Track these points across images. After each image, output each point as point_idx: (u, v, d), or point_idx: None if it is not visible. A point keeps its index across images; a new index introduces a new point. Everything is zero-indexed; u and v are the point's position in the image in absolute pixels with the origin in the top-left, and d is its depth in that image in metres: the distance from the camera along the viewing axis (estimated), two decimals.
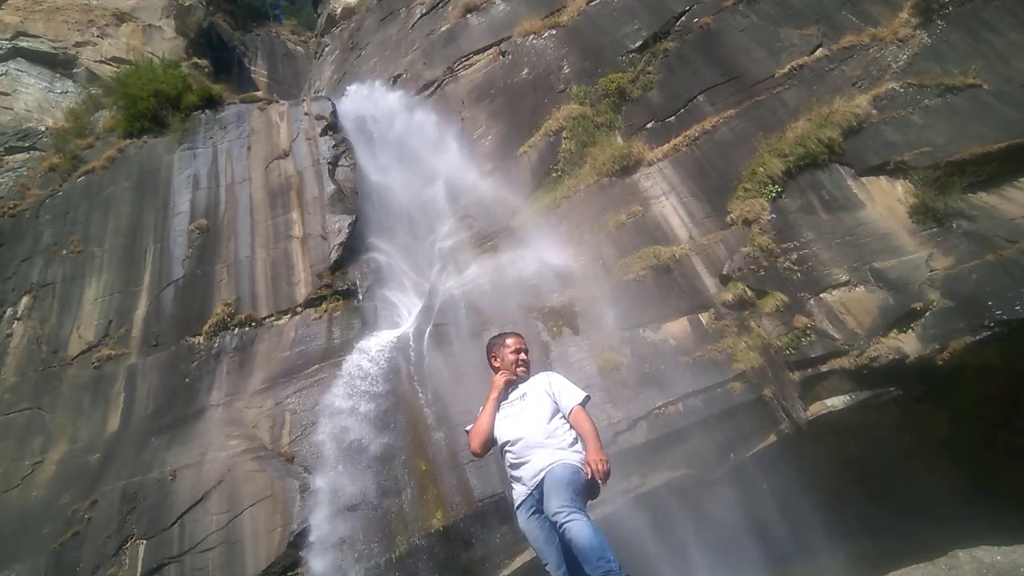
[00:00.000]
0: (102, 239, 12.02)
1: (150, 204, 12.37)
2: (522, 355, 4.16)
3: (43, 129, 16.65)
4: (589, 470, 3.52)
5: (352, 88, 15.80)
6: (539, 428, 3.78)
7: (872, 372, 7.29)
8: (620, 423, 7.74)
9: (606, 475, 3.50)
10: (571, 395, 3.90)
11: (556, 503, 3.46)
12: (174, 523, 8.11)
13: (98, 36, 20.33)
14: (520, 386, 4.07)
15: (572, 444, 3.74)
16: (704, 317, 8.44)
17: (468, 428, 4.09)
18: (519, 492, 3.79)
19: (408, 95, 14.64)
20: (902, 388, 7.34)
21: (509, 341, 4.25)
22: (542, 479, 3.63)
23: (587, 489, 3.62)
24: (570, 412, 3.82)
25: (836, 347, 7.45)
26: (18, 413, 9.99)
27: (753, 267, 8.26)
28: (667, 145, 10.19)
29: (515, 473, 3.82)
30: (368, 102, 14.90)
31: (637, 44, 11.78)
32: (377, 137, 13.94)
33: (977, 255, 7.25)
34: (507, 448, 3.88)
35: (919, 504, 7.34)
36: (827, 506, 7.45)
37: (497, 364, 4.25)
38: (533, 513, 3.66)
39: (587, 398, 3.91)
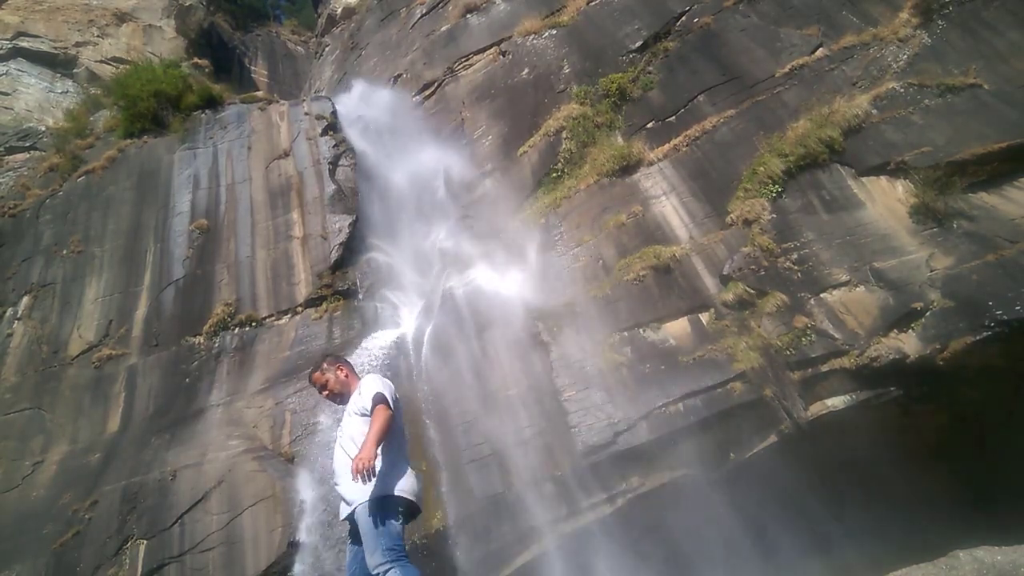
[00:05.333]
0: (102, 239, 12.02)
1: (150, 204, 12.38)
2: (323, 393, 4.13)
3: (43, 129, 16.66)
4: (353, 466, 3.36)
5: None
6: (345, 454, 3.72)
7: (872, 372, 7.29)
8: (620, 423, 7.73)
9: (361, 473, 3.30)
10: (367, 400, 3.77)
11: (373, 562, 3.36)
12: (174, 523, 8.12)
13: (98, 36, 20.35)
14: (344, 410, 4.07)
15: (376, 470, 3.57)
16: (704, 317, 8.44)
17: None
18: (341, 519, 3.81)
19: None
20: (902, 388, 7.34)
21: (312, 383, 4.20)
22: (351, 516, 3.58)
23: (399, 512, 3.51)
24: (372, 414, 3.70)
25: (836, 347, 7.44)
26: (18, 413, 9.99)
27: (753, 267, 8.26)
28: (667, 145, 10.19)
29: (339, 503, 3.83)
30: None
31: (637, 44, 11.78)
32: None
33: (977, 255, 7.23)
34: (332, 478, 3.93)
35: (919, 504, 7.32)
36: (827, 506, 7.45)
37: None
38: (350, 544, 3.72)
39: (379, 395, 3.73)
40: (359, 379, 4.12)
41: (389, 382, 3.97)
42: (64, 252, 11.90)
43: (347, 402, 4.01)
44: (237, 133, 13.26)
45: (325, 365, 4.16)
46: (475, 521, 7.63)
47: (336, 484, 3.79)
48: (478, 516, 7.64)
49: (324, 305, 10.50)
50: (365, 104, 14.88)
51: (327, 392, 4.08)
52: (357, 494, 3.53)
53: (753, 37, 10.49)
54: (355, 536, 3.66)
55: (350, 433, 3.78)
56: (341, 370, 4.14)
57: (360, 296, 10.74)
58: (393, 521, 3.45)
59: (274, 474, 8.33)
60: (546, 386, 8.26)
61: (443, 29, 15.47)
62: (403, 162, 13.01)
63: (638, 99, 11.18)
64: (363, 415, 3.76)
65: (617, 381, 8.07)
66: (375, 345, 9.57)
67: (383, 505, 3.46)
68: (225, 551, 7.81)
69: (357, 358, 9.33)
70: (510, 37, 13.61)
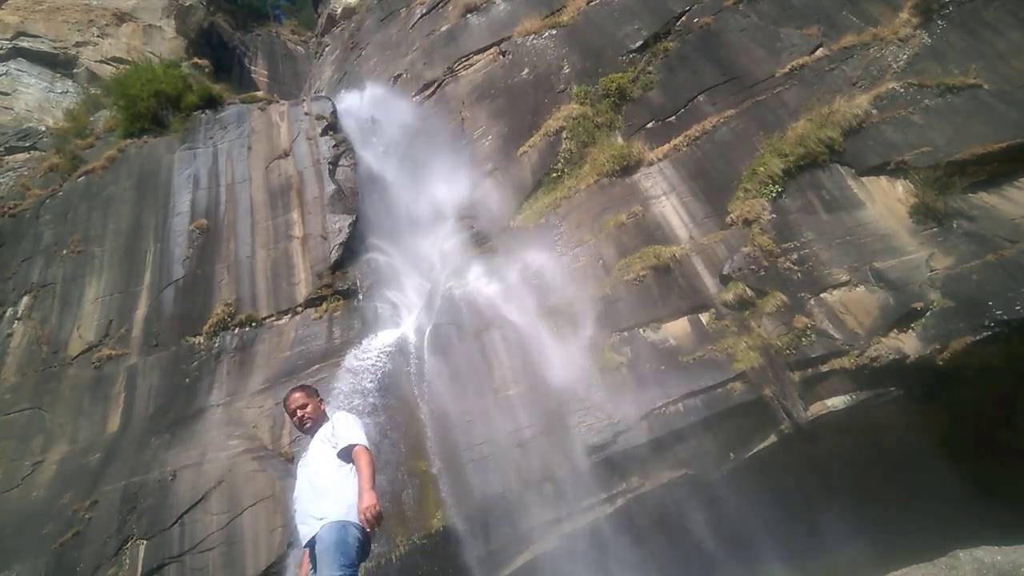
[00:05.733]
0: (102, 239, 12.01)
1: (150, 204, 12.37)
2: (298, 413, 4.21)
3: (43, 129, 16.64)
4: (361, 518, 3.56)
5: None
6: (312, 485, 3.85)
7: (872, 372, 7.29)
8: (620, 423, 7.74)
9: (374, 521, 3.53)
10: (347, 436, 3.91)
11: (327, 573, 3.50)
12: (174, 523, 8.11)
13: (98, 36, 20.34)
14: (310, 440, 4.17)
15: (344, 494, 3.72)
16: (704, 317, 8.44)
17: None
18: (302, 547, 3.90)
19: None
20: (902, 388, 7.35)
21: (287, 403, 4.31)
22: (312, 540, 3.69)
23: (360, 541, 3.63)
24: (352, 450, 3.84)
25: (836, 347, 7.45)
26: (18, 413, 9.98)
27: (753, 267, 8.26)
28: (667, 145, 10.19)
29: (297, 530, 3.92)
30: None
31: (637, 44, 11.79)
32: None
33: (977, 255, 7.25)
34: (293, 506, 4.04)
35: (919, 504, 7.33)
36: (827, 506, 7.45)
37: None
38: (311, 572, 3.76)
39: (352, 443, 3.88)
40: (328, 416, 4.30)
41: (359, 419, 4.18)
42: (64, 252, 11.90)
43: (314, 432, 4.16)
44: (237, 133, 13.26)
45: (307, 393, 4.33)
46: (475, 521, 7.63)
47: (295, 511, 3.94)
48: (478, 516, 7.64)
49: (324, 305, 10.49)
50: (380, 109, 14.59)
51: (304, 414, 4.20)
52: (324, 514, 3.69)
53: (753, 37, 10.49)
54: (315, 563, 3.78)
55: (316, 463, 3.94)
56: (322, 403, 4.37)
57: (360, 296, 10.73)
58: (352, 544, 3.61)
59: (274, 474, 8.33)
60: (546, 386, 8.28)
61: (443, 29, 15.47)
62: (426, 192, 12.52)
63: (638, 99, 11.18)
64: (333, 447, 3.93)
65: (617, 381, 8.08)
66: (375, 345, 9.57)
67: (347, 529, 3.63)
68: (225, 551, 7.81)
69: (356, 358, 9.34)
70: (510, 37, 13.62)
